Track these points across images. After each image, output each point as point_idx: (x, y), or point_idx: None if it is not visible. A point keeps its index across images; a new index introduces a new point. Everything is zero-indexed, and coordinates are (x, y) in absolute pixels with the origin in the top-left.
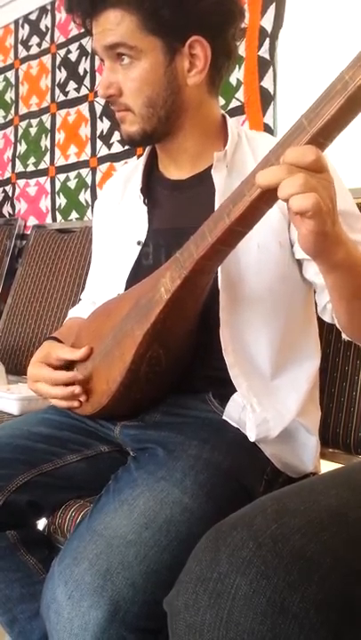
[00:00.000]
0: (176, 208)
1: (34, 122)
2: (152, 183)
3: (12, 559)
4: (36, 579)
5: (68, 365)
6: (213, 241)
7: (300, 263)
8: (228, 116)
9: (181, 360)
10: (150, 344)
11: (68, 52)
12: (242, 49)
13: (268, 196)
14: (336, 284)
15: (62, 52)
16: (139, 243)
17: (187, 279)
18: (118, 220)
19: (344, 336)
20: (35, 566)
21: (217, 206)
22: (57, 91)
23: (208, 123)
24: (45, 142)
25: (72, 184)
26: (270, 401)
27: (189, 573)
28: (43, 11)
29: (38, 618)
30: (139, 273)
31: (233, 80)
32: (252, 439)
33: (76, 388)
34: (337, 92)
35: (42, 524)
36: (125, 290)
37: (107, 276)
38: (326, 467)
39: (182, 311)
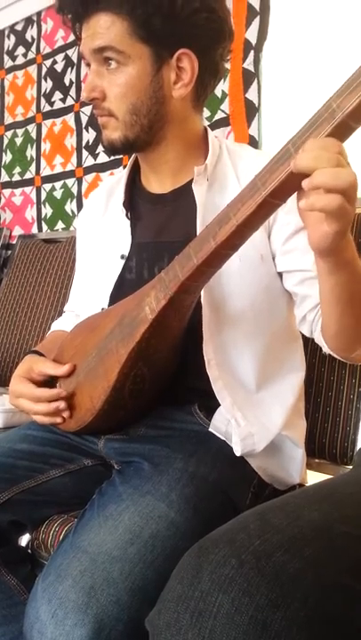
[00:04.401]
0: (158, 222)
1: (19, 132)
2: (134, 197)
3: None
4: (17, 599)
5: (51, 380)
6: (199, 263)
7: (280, 275)
8: (209, 130)
9: (166, 375)
10: (135, 363)
11: (54, 62)
12: None
13: (254, 221)
14: (338, 284)
15: (48, 62)
16: (122, 257)
17: (172, 300)
18: (102, 233)
19: (325, 350)
20: (16, 587)
21: (199, 220)
22: (42, 101)
23: (191, 136)
24: (31, 152)
25: (58, 194)
26: (255, 414)
27: (171, 592)
28: (29, 21)
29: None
30: (122, 287)
31: (218, 92)
32: (237, 454)
33: (61, 404)
34: (324, 120)
35: (25, 539)
36: (109, 304)
37: (90, 289)
38: (313, 477)
39: (167, 330)
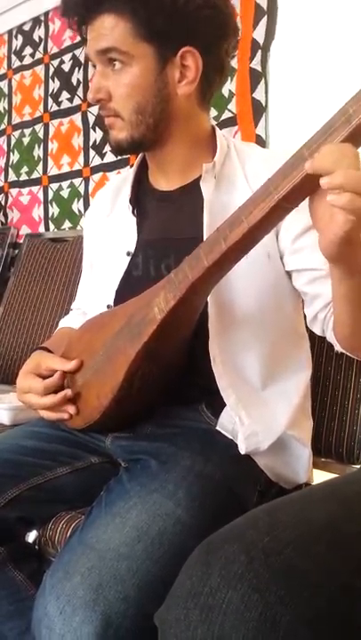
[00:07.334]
0: (165, 219)
1: (27, 131)
2: (141, 194)
3: (0, 576)
4: (24, 595)
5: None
6: (209, 264)
7: (289, 274)
8: (217, 128)
9: (174, 371)
10: (143, 362)
11: (62, 62)
12: (234, 61)
13: (265, 224)
14: (352, 289)
15: (55, 62)
16: (128, 253)
17: (181, 301)
18: (108, 230)
19: (338, 348)
20: (23, 582)
21: (205, 217)
22: (50, 101)
23: (197, 134)
24: (38, 152)
25: (65, 193)
26: (260, 413)
27: (180, 588)
28: (36, 21)
29: (28, 634)
30: (128, 284)
31: (225, 91)
32: (242, 452)
33: (68, 391)
34: (340, 125)
35: (32, 536)
36: (115, 300)
37: (97, 286)
38: (319, 476)
39: (176, 330)
